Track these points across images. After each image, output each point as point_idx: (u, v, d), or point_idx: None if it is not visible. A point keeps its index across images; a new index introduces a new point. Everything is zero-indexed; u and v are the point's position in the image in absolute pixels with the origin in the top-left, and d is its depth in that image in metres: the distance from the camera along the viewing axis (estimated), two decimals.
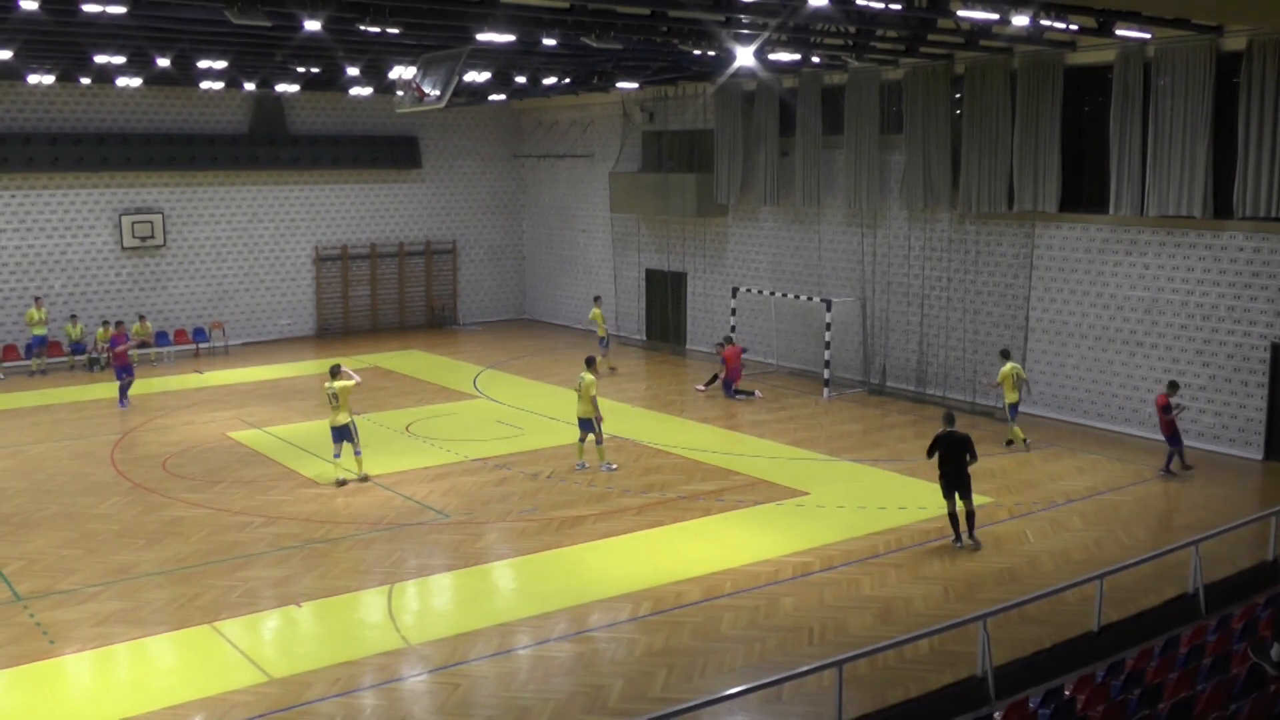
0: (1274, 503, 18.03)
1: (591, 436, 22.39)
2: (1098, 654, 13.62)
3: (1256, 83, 22.01)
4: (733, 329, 31.51)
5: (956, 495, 18.03)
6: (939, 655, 13.88)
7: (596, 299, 34.74)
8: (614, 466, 22.44)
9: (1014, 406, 23.89)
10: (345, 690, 13.31)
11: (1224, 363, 23.27)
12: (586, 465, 22.49)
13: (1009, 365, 23.85)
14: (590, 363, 22.84)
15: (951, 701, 12.80)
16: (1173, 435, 21.61)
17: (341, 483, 21.49)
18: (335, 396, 21.41)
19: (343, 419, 21.47)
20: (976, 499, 18.33)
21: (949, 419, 18.60)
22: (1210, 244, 23.39)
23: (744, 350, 29.81)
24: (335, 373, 21.76)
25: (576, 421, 22.60)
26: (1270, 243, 22.46)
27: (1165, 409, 21.44)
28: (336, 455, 21.75)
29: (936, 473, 18.08)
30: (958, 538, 18.13)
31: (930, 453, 18.24)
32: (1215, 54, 22.68)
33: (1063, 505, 20.19)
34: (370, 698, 13.28)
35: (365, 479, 21.67)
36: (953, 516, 18.15)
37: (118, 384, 28.69)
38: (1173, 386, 21.71)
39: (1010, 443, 24.03)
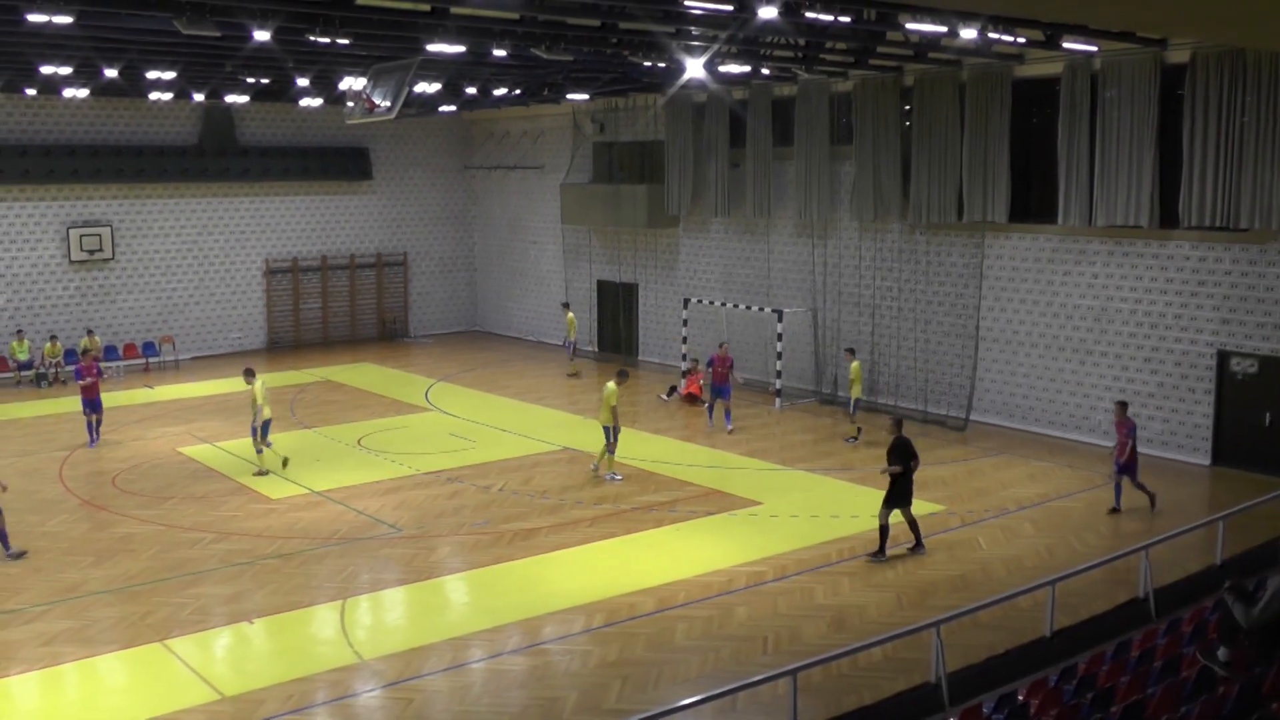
0: (1221, 508, 18.21)
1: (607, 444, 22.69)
2: (1050, 659, 13.70)
3: (1200, 94, 22.31)
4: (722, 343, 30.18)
5: (901, 506, 17.87)
6: (893, 662, 13.93)
7: (565, 305, 35.85)
8: (618, 477, 22.47)
9: (858, 401, 25.84)
10: (298, 707, 13.19)
11: (1171, 370, 23.54)
12: (616, 476, 22.65)
13: (857, 363, 25.91)
14: (621, 375, 23.43)
15: (906, 708, 12.87)
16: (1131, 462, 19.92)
17: (284, 462, 23.08)
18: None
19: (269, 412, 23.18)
20: (928, 506, 18.42)
21: (900, 424, 18.53)
22: (1157, 253, 23.66)
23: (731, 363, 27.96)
24: (251, 374, 23.68)
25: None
26: (1215, 252, 22.77)
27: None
28: (269, 444, 23.16)
29: (886, 481, 17.97)
30: (881, 551, 17.80)
31: (906, 459, 17.83)
32: (1160, 66, 22.98)
33: (1014, 512, 20.34)
34: (323, 714, 13.18)
35: (265, 474, 23.03)
36: (885, 529, 17.87)
37: (86, 420, 25.77)
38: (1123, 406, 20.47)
39: (853, 438, 25.33)
